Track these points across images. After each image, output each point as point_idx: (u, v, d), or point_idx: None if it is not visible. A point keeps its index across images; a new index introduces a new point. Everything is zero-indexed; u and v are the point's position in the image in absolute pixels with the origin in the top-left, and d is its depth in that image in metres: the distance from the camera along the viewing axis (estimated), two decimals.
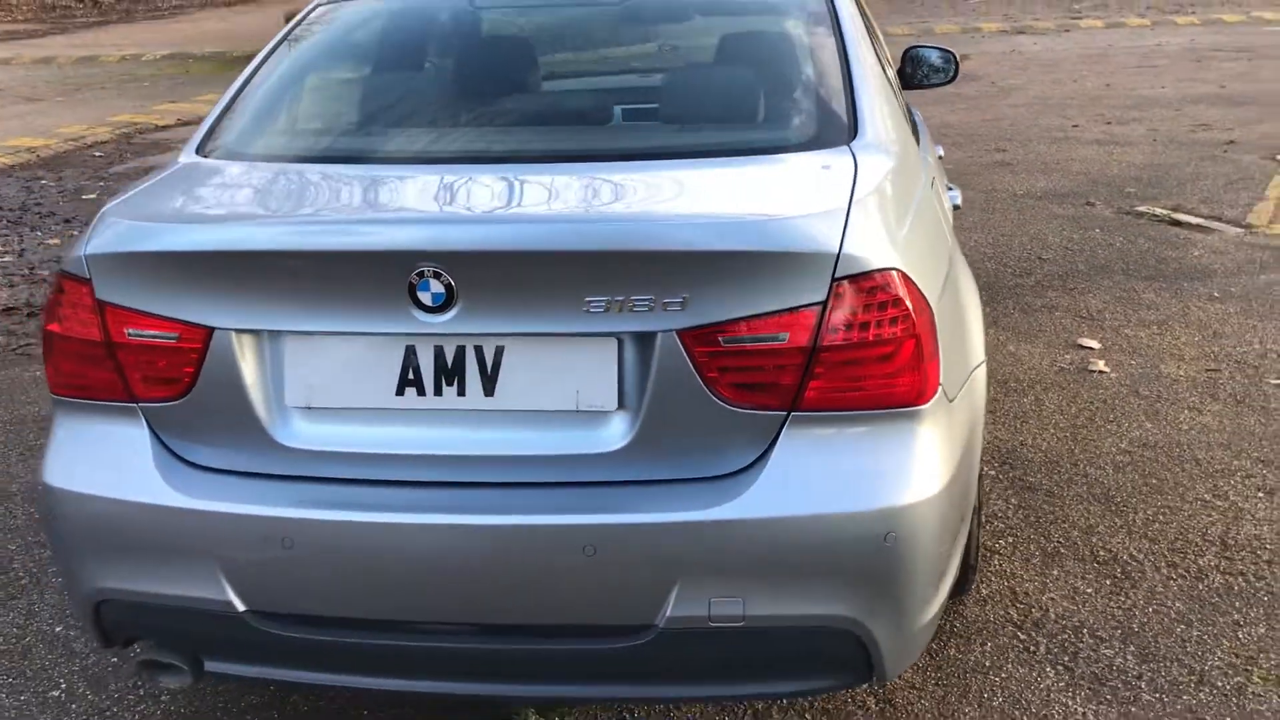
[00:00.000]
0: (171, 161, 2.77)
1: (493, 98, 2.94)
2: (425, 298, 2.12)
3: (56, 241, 7.52)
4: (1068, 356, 4.86)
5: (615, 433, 2.17)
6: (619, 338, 2.15)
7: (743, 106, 2.76)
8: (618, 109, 2.98)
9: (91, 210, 8.25)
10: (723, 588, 2.13)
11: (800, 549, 2.13)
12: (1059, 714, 2.72)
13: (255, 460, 2.28)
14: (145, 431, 2.33)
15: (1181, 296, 5.51)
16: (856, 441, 2.17)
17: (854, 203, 2.20)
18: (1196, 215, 6.88)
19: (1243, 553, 3.34)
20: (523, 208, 2.34)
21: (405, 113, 2.92)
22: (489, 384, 2.19)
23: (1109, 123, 9.81)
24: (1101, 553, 3.37)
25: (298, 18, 3.22)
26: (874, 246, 2.14)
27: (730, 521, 2.11)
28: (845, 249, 2.10)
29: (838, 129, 2.58)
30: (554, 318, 2.13)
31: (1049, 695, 2.78)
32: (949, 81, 4.68)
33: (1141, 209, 7.05)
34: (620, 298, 2.09)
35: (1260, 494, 3.67)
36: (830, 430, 2.16)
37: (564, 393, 2.18)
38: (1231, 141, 8.81)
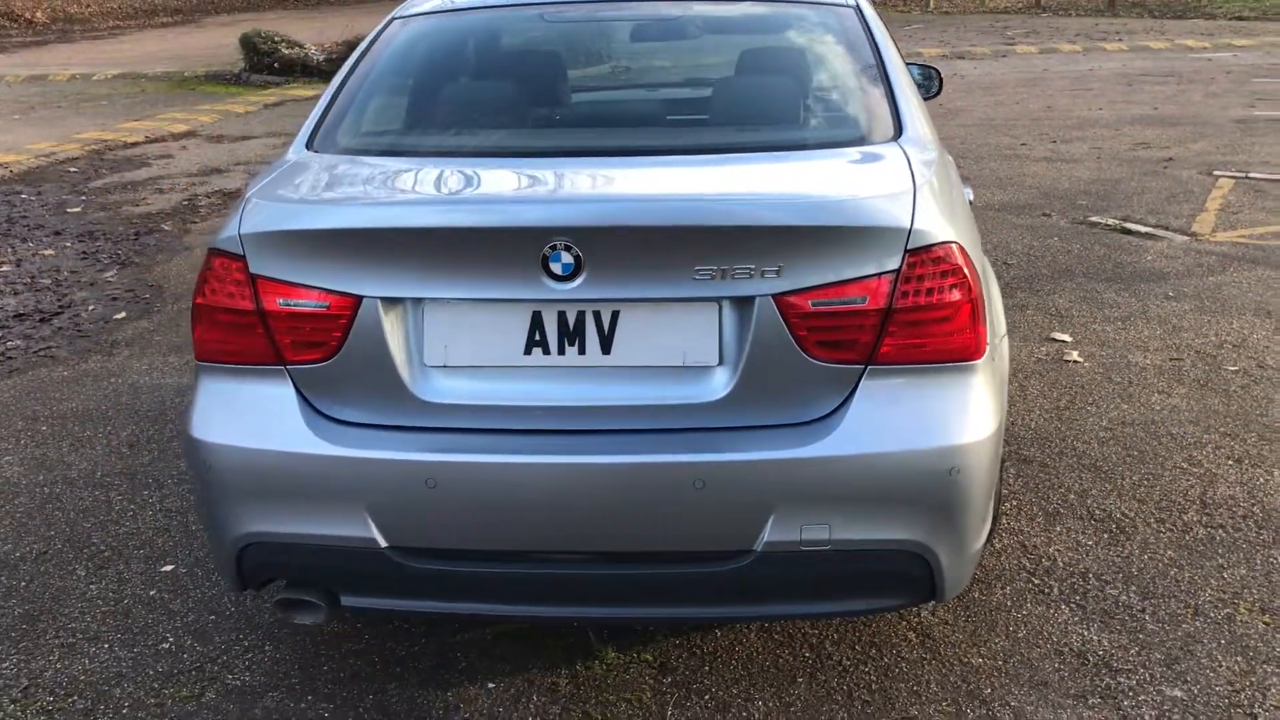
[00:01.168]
0: (284, 156, 3.06)
1: (581, 101, 3.29)
2: (556, 268, 2.45)
3: (51, 253, 7.68)
4: (1044, 349, 5.30)
5: (717, 385, 2.51)
6: (719, 302, 2.49)
7: (805, 109, 3.14)
8: (698, 111, 3.33)
9: (79, 223, 8.43)
10: (812, 516, 2.48)
11: (878, 481, 2.48)
12: (1076, 642, 3.10)
13: (397, 414, 2.58)
14: (292, 391, 2.62)
15: (1140, 296, 5.99)
16: (923, 390, 2.53)
17: (917, 187, 2.58)
18: (1145, 225, 7.39)
19: (1221, 510, 3.76)
20: (640, 190, 2.69)
21: (499, 114, 3.25)
22: (606, 344, 2.53)
23: (1054, 141, 10.37)
24: (1097, 512, 3.77)
25: (378, 30, 3.53)
26: (937, 223, 2.52)
27: (818, 459, 2.46)
28: (915, 224, 2.48)
29: (885, 127, 2.96)
30: (666, 284, 2.47)
31: (1066, 627, 3.16)
32: (932, 97, 5.11)
33: (1094, 219, 7.56)
34: (725, 267, 2.44)
35: (1230, 462, 4.10)
36: (901, 380, 2.52)
37: (672, 350, 2.52)
38: (1170, 158, 9.39)
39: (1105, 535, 3.63)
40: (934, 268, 2.49)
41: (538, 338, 2.54)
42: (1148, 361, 5.09)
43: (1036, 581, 3.38)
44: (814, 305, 2.47)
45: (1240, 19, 21.98)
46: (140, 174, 10.25)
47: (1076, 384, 4.86)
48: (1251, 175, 8.68)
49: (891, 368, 2.51)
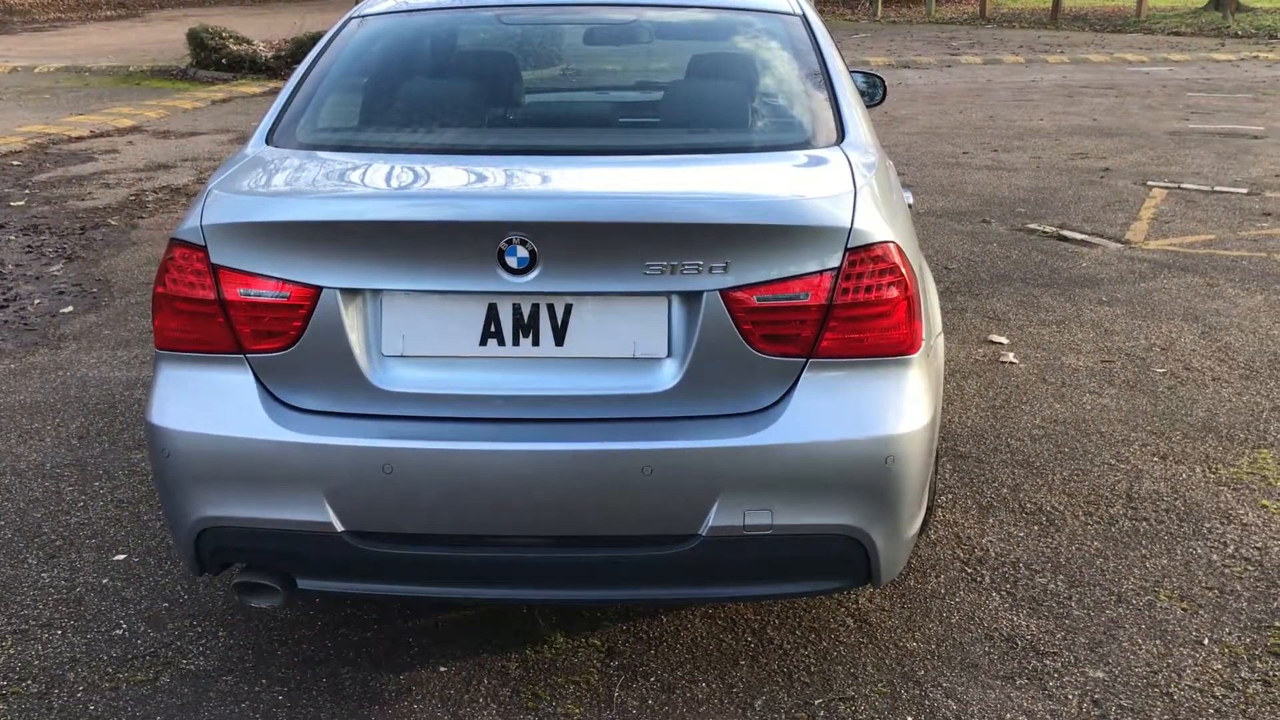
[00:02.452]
0: (243, 150, 3.13)
1: (535, 102, 3.38)
2: (512, 261, 2.54)
3: None
4: (981, 350, 5.46)
5: (665, 376, 2.62)
6: (669, 296, 2.60)
7: (751, 113, 3.26)
8: (648, 113, 3.43)
9: (22, 216, 8.37)
10: (755, 502, 2.59)
11: (817, 469, 2.60)
12: (1005, 627, 3.24)
13: (355, 402, 2.66)
14: (251, 378, 2.69)
15: (1075, 301, 6.18)
16: (862, 382, 2.66)
17: (857, 189, 2.70)
18: (1080, 232, 7.61)
19: (1145, 503, 3.93)
20: (593, 188, 2.79)
21: (454, 112, 3.34)
22: (559, 335, 2.62)
23: (995, 150, 10.61)
24: (1028, 505, 3.93)
25: (336, 28, 3.60)
26: (876, 223, 2.64)
27: (761, 447, 2.58)
28: (856, 224, 2.60)
29: (829, 132, 3.09)
30: (617, 279, 2.57)
31: (996, 613, 3.30)
32: (877, 104, 5.26)
33: (1032, 226, 7.77)
34: (674, 262, 2.55)
35: (1155, 458, 4.28)
36: (841, 373, 2.64)
37: (623, 342, 2.62)
38: (1107, 169, 9.66)
39: (1035, 527, 3.78)
40: (873, 266, 2.61)
41: (493, 329, 2.63)
42: (1080, 363, 5.27)
43: (969, 571, 3.52)
44: (759, 300, 2.58)
45: (1177, 34, 22.53)
46: (86, 168, 10.18)
47: (1012, 384, 5.02)
48: (1184, 186, 8.95)
49: (832, 361, 2.63)
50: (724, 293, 2.57)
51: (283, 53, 16.13)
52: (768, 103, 3.29)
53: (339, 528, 2.64)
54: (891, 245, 2.64)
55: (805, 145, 3.04)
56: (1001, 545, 3.67)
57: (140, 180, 9.59)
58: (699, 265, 2.55)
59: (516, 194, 2.73)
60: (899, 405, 2.66)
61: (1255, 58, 18.43)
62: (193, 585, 3.49)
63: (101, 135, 11.89)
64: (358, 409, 2.67)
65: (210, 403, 2.71)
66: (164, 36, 22.55)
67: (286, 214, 2.65)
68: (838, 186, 2.71)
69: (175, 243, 2.71)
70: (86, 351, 5.61)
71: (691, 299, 2.59)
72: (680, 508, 2.61)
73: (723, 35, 3.62)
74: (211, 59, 16.33)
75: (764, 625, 3.24)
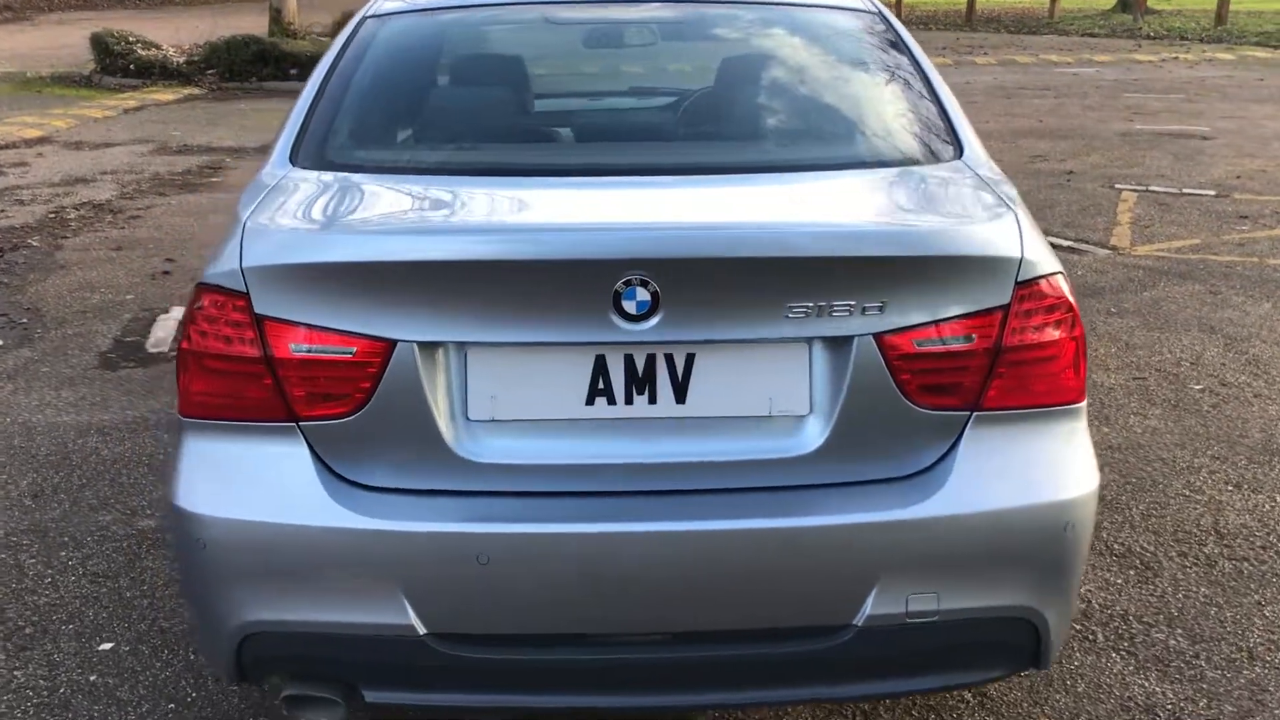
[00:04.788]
0: (265, 173, 2.63)
1: (605, 111, 2.94)
2: (630, 305, 2.11)
3: None
4: None
5: (808, 437, 2.21)
6: (809, 343, 2.19)
7: (854, 122, 2.86)
8: (740, 122, 2.99)
9: None
10: (920, 584, 2.20)
11: (991, 542, 2.22)
12: (1140, 696, 2.90)
13: (435, 477, 2.21)
14: (306, 451, 2.22)
15: (1085, 313, 5.91)
16: (1032, 438, 2.28)
17: (1015, 211, 2.33)
18: (1064, 238, 7.38)
19: (1238, 540, 3.63)
20: (722, 217, 2.36)
21: (513, 125, 2.89)
22: (680, 391, 2.20)
23: None
24: (1116, 546, 3.60)
25: (350, 31, 3.11)
26: (1043, 252, 2.28)
27: (928, 519, 2.18)
28: (1025, 254, 2.22)
29: (944, 145, 2.71)
30: (752, 324, 2.16)
31: (1125, 679, 2.96)
32: None
33: None
34: (822, 303, 2.14)
35: (1229, 487, 3.99)
36: (1008, 429, 2.26)
37: (756, 398, 2.21)
38: (1070, 171, 9.49)
39: (1132, 572, 3.45)
40: (1041, 302, 2.24)
41: (601, 386, 2.20)
42: (1113, 381, 4.99)
43: (1078, 627, 3.17)
44: (918, 345, 2.19)
45: (1091, 35, 22.78)
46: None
47: None
48: (1151, 189, 8.81)
49: (998, 413, 2.25)
50: (878, 337, 2.17)
51: (195, 57, 15.32)
52: (870, 111, 2.90)
53: (421, 630, 2.18)
54: (1060, 277, 2.28)
55: (920, 161, 2.66)
56: (1103, 595, 3.33)
57: (57, 196, 8.87)
58: (850, 306, 2.15)
59: (635, 225, 2.29)
60: (1073, 464, 2.30)
61: (1175, 59, 18.63)
62: (200, 679, 2.98)
63: (7, 147, 11.05)
64: (441, 485, 2.21)
65: (256, 482, 2.23)
66: (58, 41, 21.42)
67: (353, 253, 2.18)
68: (994, 210, 2.34)
69: (206, 288, 2.23)
70: (25, 393, 5.01)
71: (839, 345, 2.18)
72: (832, 594, 2.20)
73: (802, 35, 3.21)
74: (118, 64, 15.45)
75: (875, 706, 2.85)
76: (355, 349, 2.16)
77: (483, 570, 2.15)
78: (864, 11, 3.23)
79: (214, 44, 15.27)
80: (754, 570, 2.17)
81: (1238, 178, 9.23)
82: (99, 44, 15.64)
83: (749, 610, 2.21)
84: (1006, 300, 2.21)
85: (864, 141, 2.78)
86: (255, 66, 14.69)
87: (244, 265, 2.18)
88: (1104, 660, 3.04)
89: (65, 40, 21.09)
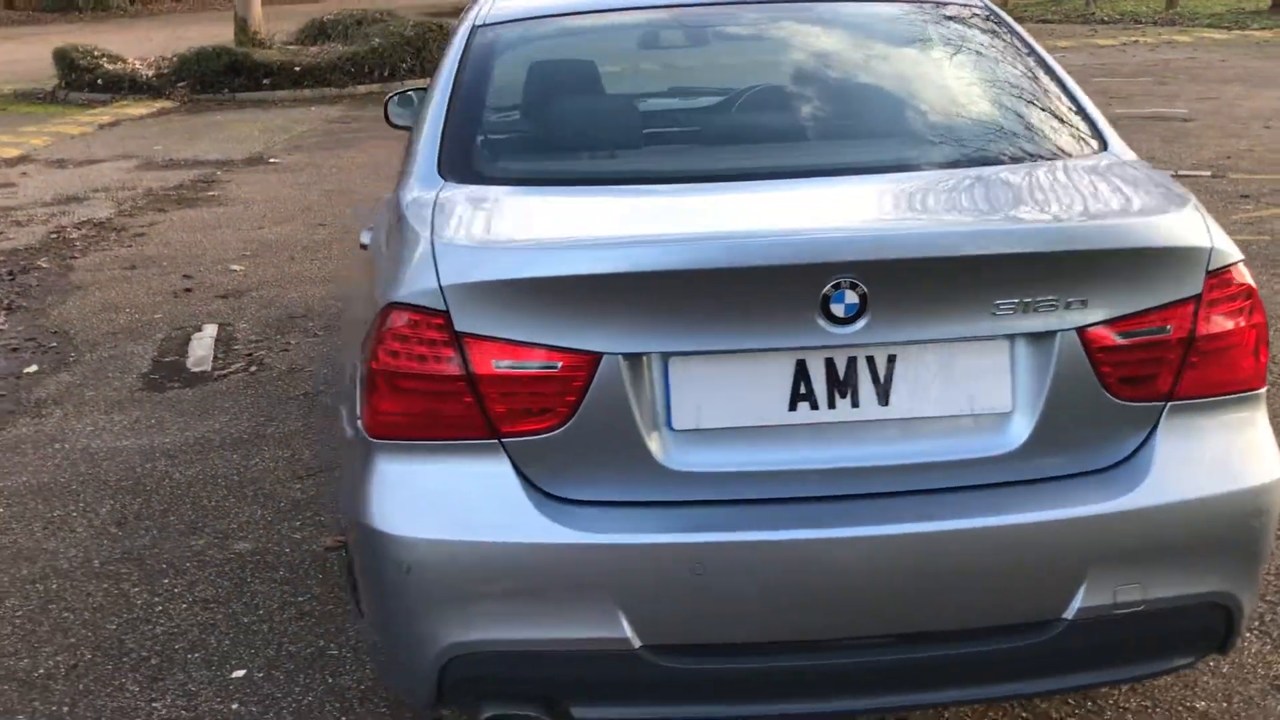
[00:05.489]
0: (414, 190, 2.59)
1: (752, 110, 2.92)
2: (838, 309, 2.11)
3: None
4: None
5: (1013, 434, 2.22)
6: (1011, 340, 2.20)
7: (1005, 119, 2.86)
8: (879, 120, 2.97)
9: None
10: (1127, 575, 2.22)
11: (1193, 530, 2.25)
12: None
13: (641, 489, 2.19)
14: (510, 468, 2.19)
15: None
16: (1222, 425, 2.31)
17: (1194, 201, 2.36)
18: None
19: None
20: (920, 216, 2.37)
21: (668, 131, 2.88)
22: (882, 394, 2.20)
23: None
24: None
25: (462, 40, 3.05)
26: (1227, 241, 2.31)
27: (1136, 510, 2.21)
28: (1215, 243, 2.25)
29: (1088, 138, 2.75)
30: (957, 322, 2.17)
31: (1265, 658, 3.00)
32: None
33: None
34: (1028, 299, 2.15)
35: None
36: (1200, 417, 2.29)
37: (958, 397, 2.22)
38: None
39: None
40: (1228, 290, 2.28)
41: (803, 390, 2.20)
42: None
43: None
44: (1119, 338, 2.21)
45: (1046, 21, 23.03)
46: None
47: None
48: (1181, 173, 8.90)
49: (1190, 402, 2.28)
50: (1081, 331, 2.19)
51: (165, 70, 15.06)
52: (1008, 106, 2.89)
53: (636, 643, 2.17)
54: (1242, 265, 2.31)
55: (1071, 154, 2.69)
56: None
57: (54, 215, 8.70)
58: (1054, 301, 2.17)
59: (841, 226, 2.28)
60: (1264, 447, 2.34)
61: (1135, 42, 18.89)
62: (345, 703, 2.94)
63: None
64: (646, 496, 2.20)
65: (461, 501, 2.21)
66: (9, 57, 20.98)
67: (561, 267, 2.15)
68: (1177, 202, 2.36)
69: (399, 307, 2.20)
70: (76, 418, 4.91)
71: (1041, 340, 2.20)
72: (1044, 589, 2.22)
73: (918, 30, 3.21)
74: (84, 80, 15.15)
75: (1037, 704, 2.86)
76: (561, 363, 2.14)
77: (697, 580, 2.14)
78: (973, 5, 3.25)
79: (184, 56, 15.02)
80: (966, 570, 2.18)
81: (1228, 158, 9.38)
82: (63, 59, 15.34)
83: (961, 610, 2.22)
84: (1199, 290, 2.24)
85: (1010, 137, 2.79)
86: (227, 77, 14.46)
87: (443, 283, 2.15)
88: (1240, 641, 3.07)
89: (16, 56, 20.68)
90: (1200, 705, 2.84)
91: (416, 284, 2.19)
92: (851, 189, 2.49)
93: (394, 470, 2.25)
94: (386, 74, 14.65)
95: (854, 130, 2.89)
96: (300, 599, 3.43)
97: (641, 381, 2.16)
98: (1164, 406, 2.27)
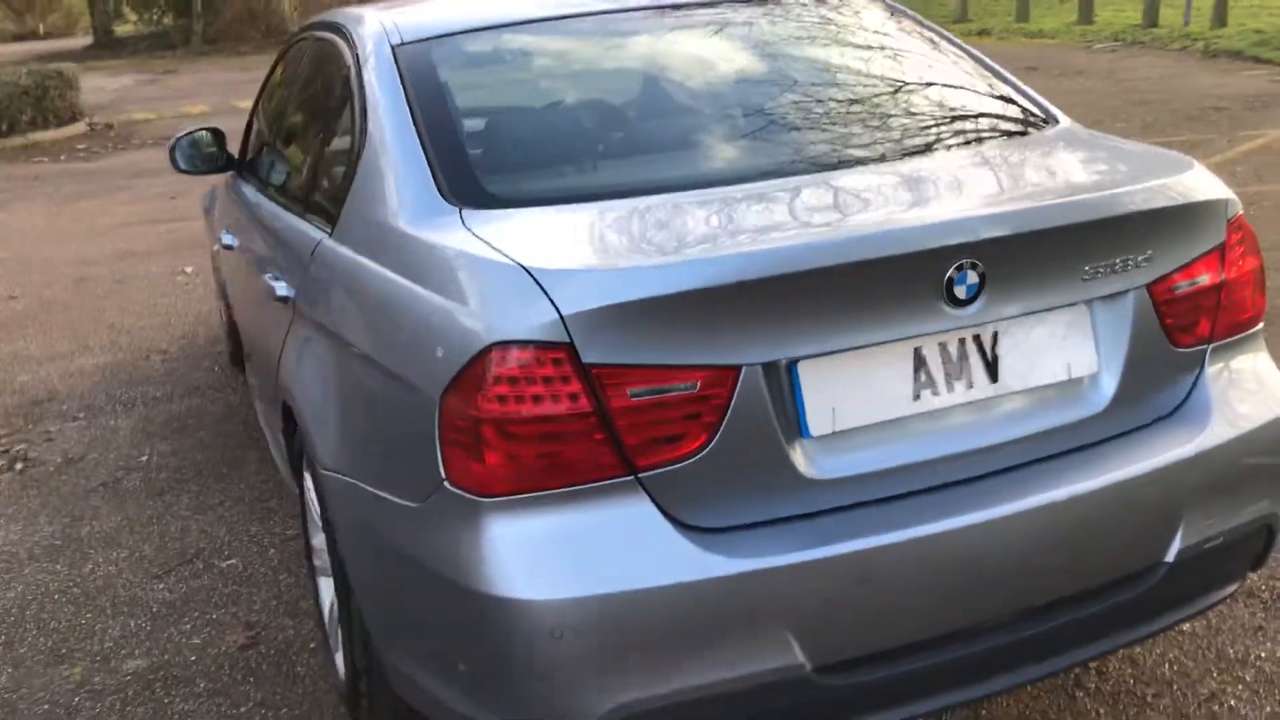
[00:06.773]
0: (414, 221, 2.33)
1: (761, 108, 2.81)
2: (961, 291, 2.10)
3: None
4: None
5: (1102, 394, 2.30)
6: (1090, 303, 2.28)
7: (971, 102, 2.94)
8: (866, 110, 2.91)
9: None
10: (1209, 509, 2.36)
11: (1253, 457, 2.42)
12: None
13: (785, 503, 2.08)
14: (649, 504, 2.01)
15: None
16: (1249, 359, 2.52)
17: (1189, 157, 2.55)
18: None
19: None
20: (1015, 191, 2.43)
21: (690, 132, 2.76)
22: (992, 371, 2.21)
23: None
24: None
25: (384, 61, 2.76)
26: (1230, 192, 2.50)
27: (1214, 447, 2.34)
28: (1230, 195, 2.44)
29: (1044, 113, 2.92)
30: (1056, 291, 2.22)
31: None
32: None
33: None
34: (1110, 261, 2.24)
35: None
36: (1230, 354, 2.48)
37: (1055, 364, 2.27)
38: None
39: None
40: (1239, 234, 2.49)
41: (923, 378, 2.17)
42: None
43: None
44: (1175, 290, 2.35)
45: (985, 33, 22.28)
46: None
47: None
48: None
49: (1223, 343, 2.47)
50: (1149, 287, 2.30)
51: None
52: (966, 91, 2.99)
53: (809, 666, 2.05)
54: (1241, 211, 2.52)
55: (1041, 126, 2.85)
56: None
57: None
58: (1129, 260, 2.27)
59: (959, 211, 2.25)
60: (1275, 375, 2.55)
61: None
62: None
63: None
64: (790, 511, 2.09)
65: (605, 549, 2.00)
66: None
67: (696, 280, 1.96)
68: (1183, 160, 2.53)
69: (512, 345, 1.96)
70: None
71: (1115, 301, 2.29)
72: (1150, 537, 2.31)
73: (846, 30, 3.23)
74: None
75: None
76: (699, 382, 1.99)
77: (865, 590, 2.06)
78: (891, 6, 3.37)
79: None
80: (1090, 531, 2.23)
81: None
82: None
83: (1083, 572, 2.26)
84: (1223, 237, 2.41)
85: (991, 117, 2.87)
86: None
87: (564, 313, 1.94)
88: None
89: None
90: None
91: (527, 318, 1.96)
92: (917, 173, 2.50)
93: (514, 528, 2.00)
94: (5, 128, 13.15)
95: (868, 120, 2.84)
96: (241, 709, 2.99)
97: (775, 391, 2.05)
98: (1208, 349, 2.42)
